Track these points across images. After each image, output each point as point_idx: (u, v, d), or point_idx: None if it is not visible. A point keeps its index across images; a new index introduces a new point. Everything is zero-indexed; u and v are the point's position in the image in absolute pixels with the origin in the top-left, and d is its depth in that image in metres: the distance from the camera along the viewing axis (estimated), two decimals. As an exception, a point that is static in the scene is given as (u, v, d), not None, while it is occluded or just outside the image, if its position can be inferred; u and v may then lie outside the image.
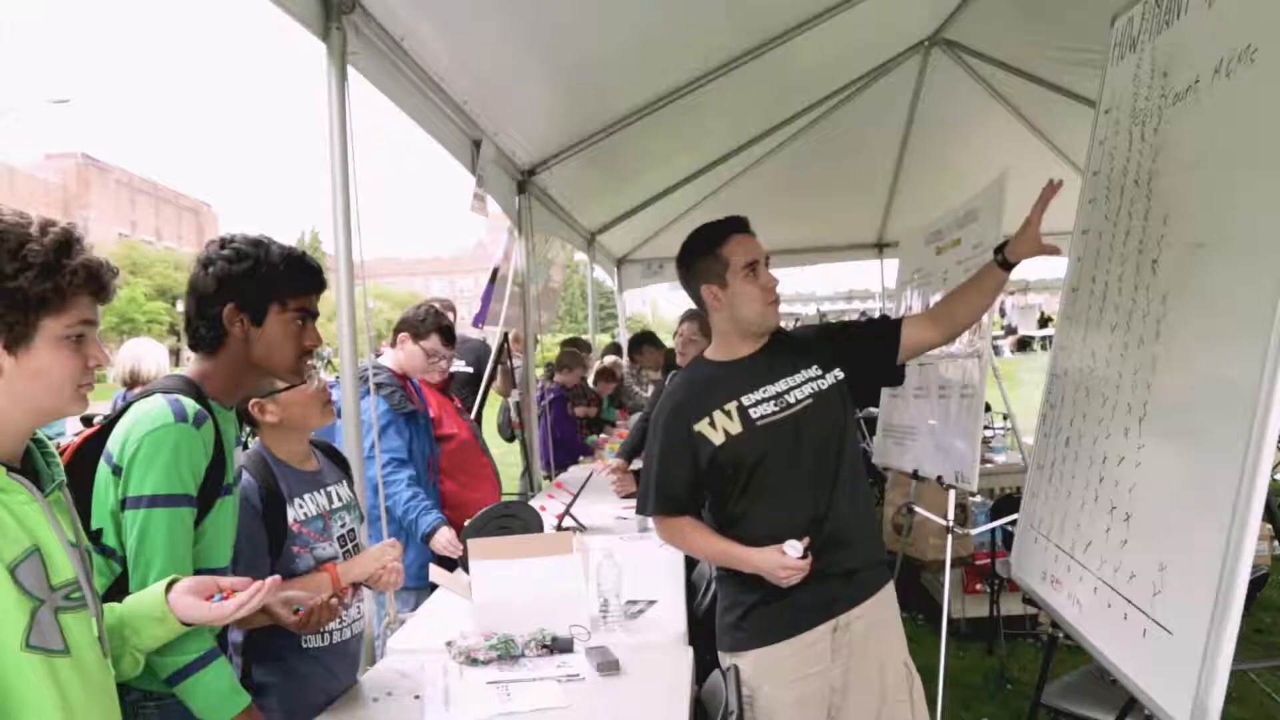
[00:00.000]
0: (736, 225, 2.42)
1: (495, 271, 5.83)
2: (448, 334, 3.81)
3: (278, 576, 1.64)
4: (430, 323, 3.76)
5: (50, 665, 1.34)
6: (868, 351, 2.51)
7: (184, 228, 62.96)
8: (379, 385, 3.57)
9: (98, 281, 1.41)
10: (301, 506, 2.29)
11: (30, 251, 1.33)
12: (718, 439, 2.36)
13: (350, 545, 2.38)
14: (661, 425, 2.46)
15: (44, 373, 1.37)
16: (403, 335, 3.77)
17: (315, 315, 1.97)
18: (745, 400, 2.37)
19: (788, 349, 2.46)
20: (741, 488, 2.38)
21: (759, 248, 2.42)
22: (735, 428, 2.36)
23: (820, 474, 2.36)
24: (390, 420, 3.58)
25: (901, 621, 2.51)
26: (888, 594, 2.47)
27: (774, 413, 2.36)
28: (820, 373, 2.41)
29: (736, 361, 2.45)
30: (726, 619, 2.46)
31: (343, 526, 2.37)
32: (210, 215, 66.89)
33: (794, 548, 2.25)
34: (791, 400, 2.37)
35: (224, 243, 1.91)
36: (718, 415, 2.37)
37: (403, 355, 3.78)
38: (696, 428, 2.38)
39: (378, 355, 3.83)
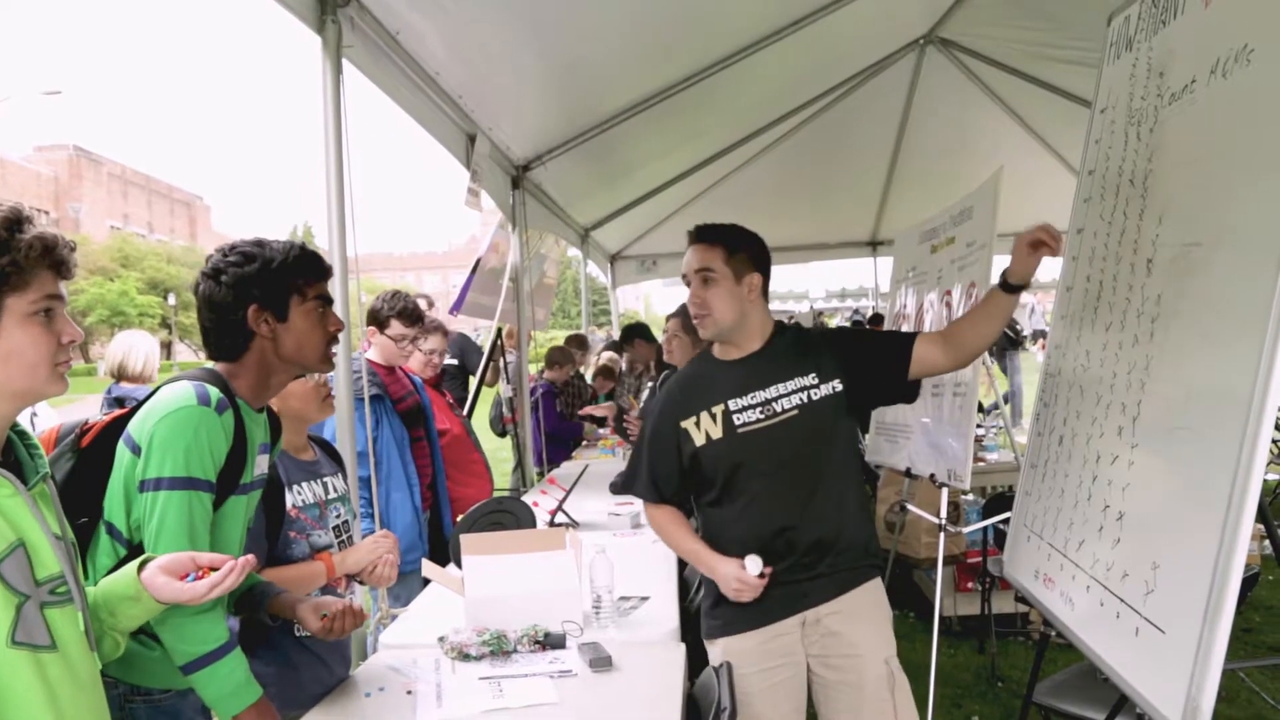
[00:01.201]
0: (691, 236, 2.46)
1: (478, 262, 5.83)
2: (407, 315, 3.80)
3: (252, 556, 1.62)
4: (386, 309, 3.78)
5: (37, 661, 1.31)
6: (876, 366, 2.47)
7: (176, 221, 62.71)
8: (356, 373, 3.56)
9: (55, 255, 1.36)
10: (299, 493, 2.32)
11: None
12: (699, 440, 2.41)
13: (344, 536, 2.42)
14: (655, 414, 2.55)
15: (16, 353, 1.33)
16: (369, 330, 3.80)
17: (332, 301, 1.98)
18: (732, 405, 2.39)
19: (790, 352, 2.44)
20: (719, 490, 2.43)
21: (692, 259, 2.43)
22: (716, 432, 2.39)
23: (797, 484, 2.37)
24: None
25: (890, 620, 2.48)
26: (868, 591, 2.44)
27: (757, 420, 2.38)
28: (816, 381, 2.39)
29: (734, 362, 2.46)
30: (704, 605, 2.53)
31: (338, 517, 2.42)
32: (203, 209, 66.59)
33: (754, 564, 2.30)
34: (778, 409, 2.37)
35: (226, 251, 1.91)
36: (704, 416, 2.41)
37: (376, 348, 3.79)
38: (683, 424, 2.43)
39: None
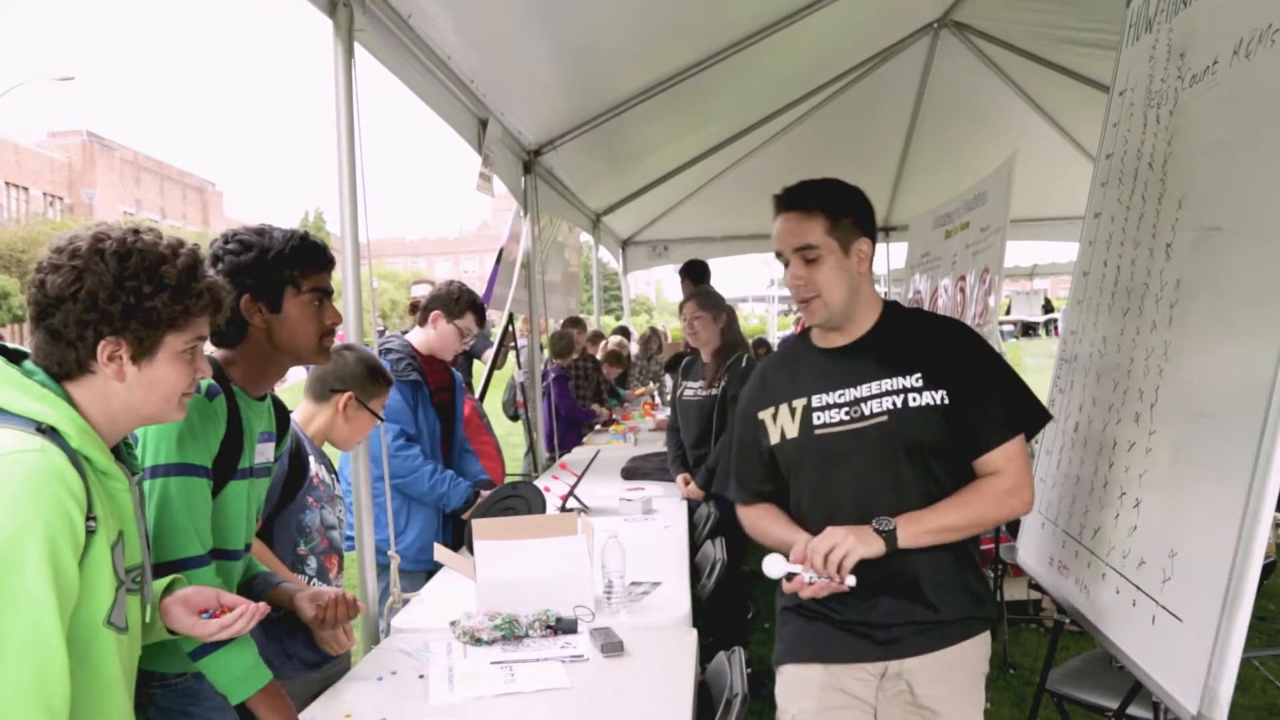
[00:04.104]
0: (779, 203, 2.07)
1: (500, 253, 5.80)
2: (481, 312, 3.77)
3: (265, 605, 1.68)
4: (464, 300, 3.67)
5: (118, 642, 1.43)
6: (970, 411, 1.97)
7: (189, 206, 62.76)
8: (387, 351, 3.53)
9: (219, 303, 1.52)
10: (316, 468, 2.42)
11: (165, 273, 1.42)
12: (774, 436, 2.09)
13: (339, 529, 2.52)
14: (739, 410, 2.24)
15: (160, 383, 1.46)
16: (435, 314, 3.66)
17: (330, 293, 1.98)
18: (815, 401, 2.03)
19: (897, 343, 2.03)
20: (797, 490, 2.10)
21: (786, 232, 2.04)
22: (792, 430, 2.06)
23: (879, 503, 1.95)
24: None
25: (983, 680, 2.09)
26: (969, 649, 2.03)
27: (839, 423, 2.00)
28: (919, 384, 1.97)
29: (832, 351, 2.08)
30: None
31: (336, 511, 2.52)
32: (215, 194, 66.70)
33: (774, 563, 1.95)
34: (866, 411, 1.98)
35: (227, 238, 1.92)
36: (782, 410, 2.08)
37: (434, 334, 3.68)
38: (760, 415, 2.13)
39: (381, 333, 3.81)
